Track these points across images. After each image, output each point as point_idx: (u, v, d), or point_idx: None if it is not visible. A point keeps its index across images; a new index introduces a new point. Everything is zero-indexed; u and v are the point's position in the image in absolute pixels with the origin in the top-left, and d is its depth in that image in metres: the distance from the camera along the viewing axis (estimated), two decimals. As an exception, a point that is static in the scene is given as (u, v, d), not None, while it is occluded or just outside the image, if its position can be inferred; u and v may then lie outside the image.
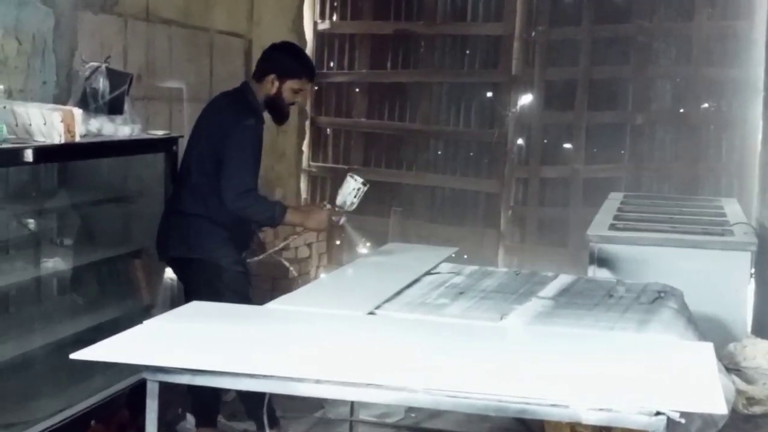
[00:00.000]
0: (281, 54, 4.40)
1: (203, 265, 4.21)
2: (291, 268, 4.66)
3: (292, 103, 4.41)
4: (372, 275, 4.14)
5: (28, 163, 3.94)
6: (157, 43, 5.64)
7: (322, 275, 4.29)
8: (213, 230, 4.22)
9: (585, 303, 3.78)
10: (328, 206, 4.38)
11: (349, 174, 4.39)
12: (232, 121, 4.18)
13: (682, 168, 7.11)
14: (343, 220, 4.40)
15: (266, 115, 4.42)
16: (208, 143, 4.24)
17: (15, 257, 4.07)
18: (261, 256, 4.80)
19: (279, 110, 4.39)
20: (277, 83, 4.30)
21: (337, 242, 7.52)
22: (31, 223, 4.29)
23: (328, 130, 7.72)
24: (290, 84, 4.32)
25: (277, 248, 4.96)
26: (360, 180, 4.32)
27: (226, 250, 4.23)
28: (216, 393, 4.40)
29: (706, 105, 7.10)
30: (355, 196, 4.33)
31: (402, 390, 2.71)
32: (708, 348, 3.08)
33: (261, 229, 4.74)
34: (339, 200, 4.35)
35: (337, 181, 7.51)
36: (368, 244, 4.77)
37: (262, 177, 7.00)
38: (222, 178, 4.12)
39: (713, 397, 2.59)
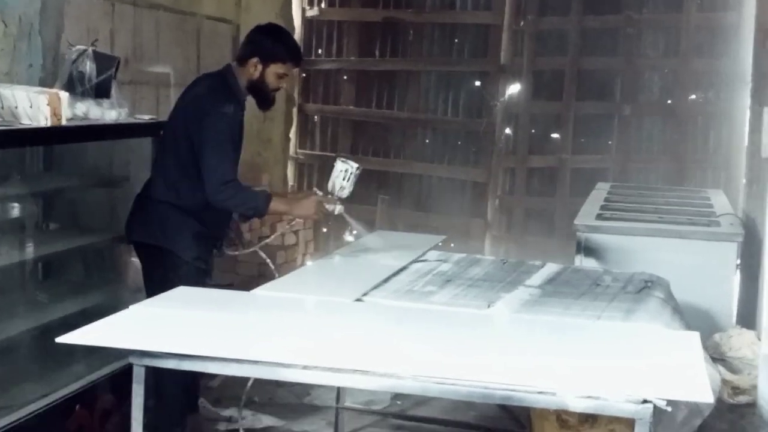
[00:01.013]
0: (265, 36, 4.16)
1: (162, 254, 4.02)
2: (272, 266, 4.38)
3: (277, 89, 4.19)
4: (359, 262, 4.13)
5: (14, 146, 3.93)
6: (145, 27, 5.61)
7: (309, 262, 4.22)
8: (181, 220, 4.03)
9: (572, 292, 3.78)
10: (319, 193, 4.19)
11: (338, 157, 4.21)
12: (209, 107, 3.99)
13: (669, 159, 7.14)
14: (338, 209, 4.17)
15: (251, 101, 4.25)
16: (184, 128, 4.03)
17: (1, 241, 4.04)
18: (249, 250, 4.47)
19: (262, 95, 4.17)
20: (260, 67, 4.08)
21: (324, 230, 7.51)
22: (16, 206, 4.26)
23: (315, 117, 7.71)
24: (274, 68, 4.09)
25: (267, 240, 4.63)
26: (350, 163, 4.11)
27: (190, 243, 4.03)
28: (197, 380, 4.29)
29: (693, 96, 7.12)
30: (344, 179, 4.11)
31: (389, 376, 2.71)
32: (694, 337, 3.09)
33: (246, 220, 4.47)
34: (329, 186, 4.15)
35: (325, 169, 7.58)
36: (369, 231, 4.61)
37: (248, 163, 7.04)
38: (202, 171, 3.93)
39: (700, 386, 2.60)
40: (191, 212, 4.01)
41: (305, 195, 4.26)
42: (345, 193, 4.14)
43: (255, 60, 4.07)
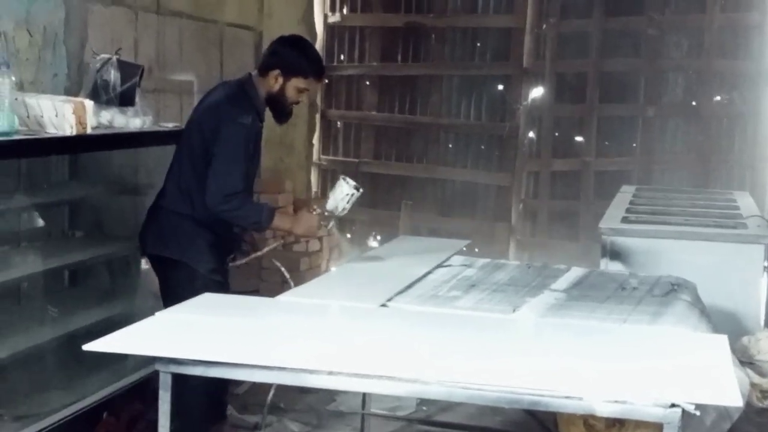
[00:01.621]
0: (289, 49, 4.07)
1: (178, 267, 3.96)
2: (288, 276, 4.33)
3: (296, 102, 4.11)
4: (384, 268, 4.13)
5: (40, 155, 3.97)
6: (168, 35, 5.65)
7: (333, 268, 4.20)
8: (195, 231, 3.96)
9: (597, 295, 3.76)
10: (318, 211, 4.10)
11: (342, 177, 4.09)
12: (227, 116, 3.91)
13: (694, 161, 7.09)
14: (331, 225, 4.16)
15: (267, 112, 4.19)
16: (200, 137, 3.97)
17: (27, 249, 4.08)
18: (244, 260, 4.31)
19: (280, 108, 4.08)
20: (281, 80, 3.99)
21: (348, 236, 7.52)
22: (43, 215, 4.30)
23: (338, 123, 7.72)
24: (295, 82, 4.01)
25: (260, 253, 4.36)
26: (353, 184, 4.04)
27: (205, 255, 3.96)
28: (225, 388, 4.26)
29: (718, 97, 7.07)
30: (347, 202, 4.05)
31: (414, 382, 2.71)
32: (722, 340, 3.07)
33: (246, 231, 4.33)
34: (330, 205, 4.05)
35: (347, 175, 7.57)
36: (351, 252, 4.57)
37: (271, 169, 7.08)
38: (208, 177, 3.87)
39: (728, 390, 2.58)
40: (206, 223, 3.95)
41: (307, 213, 4.13)
42: (344, 213, 4.10)
43: (276, 72, 3.99)
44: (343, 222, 7.47)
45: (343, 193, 4.02)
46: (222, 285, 3.93)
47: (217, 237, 3.99)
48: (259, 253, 4.29)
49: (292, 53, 4.04)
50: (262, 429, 4.59)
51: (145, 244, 4.09)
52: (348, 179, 4.04)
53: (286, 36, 4.24)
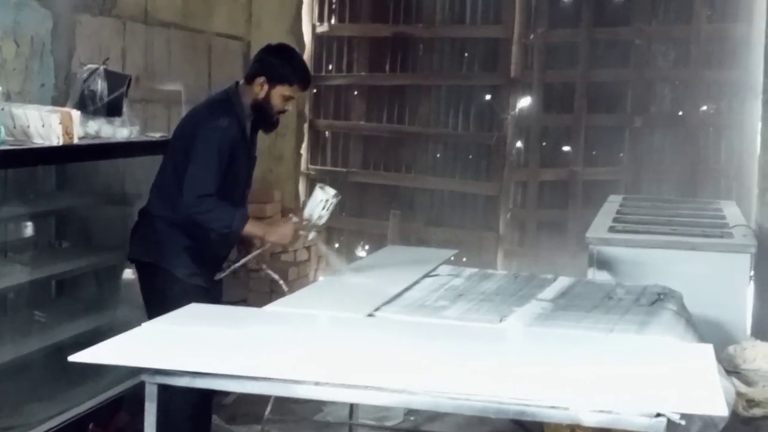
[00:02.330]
0: (274, 57, 4.06)
1: (157, 272, 3.92)
2: (282, 283, 4.19)
3: (282, 111, 4.08)
4: (371, 277, 4.12)
5: (27, 165, 3.96)
6: (156, 45, 5.65)
7: (321, 278, 4.18)
8: (174, 235, 3.92)
9: (584, 305, 3.77)
10: (295, 219, 4.00)
11: (318, 185, 4.01)
12: (203, 119, 3.93)
13: (681, 170, 7.12)
14: (312, 235, 4.04)
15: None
16: (181, 141, 3.98)
17: (13, 260, 4.07)
18: (225, 272, 4.15)
19: (266, 117, 4.06)
20: (266, 87, 3.98)
21: (336, 245, 7.52)
22: (29, 225, 4.29)
23: (326, 132, 7.72)
24: (280, 90, 3.99)
25: (238, 264, 4.17)
26: (331, 192, 3.94)
27: (184, 260, 3.91)
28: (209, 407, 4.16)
29: (704, 107, 7.11)
30: (323, 209, 3.94)
31: (402, 392, 2.71)
32: (708, 349, 3.08)
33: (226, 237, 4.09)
34: (306, 212, 3.97)
35: (336, 185, 7.58)
36: (341, 264, 4.28)
37: (259, 180, 7.05)
38: (184, 179, 3.85)
39: (714, 399, 2.59)
40: (185, 227, 3.90)
41: (283, 221, 4.08)
42: (322, 222, 3.99)
43: (262, 80, 3.98)
44: (331, 231, 7.48)
45: (318, 200, 3.94)
46: (205, 290, 3.85)
47: (197, 241, 3.94)
48: (237, 264, 4.14)
49: (278, 61, 4.03)
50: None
51: (129, 250, 4.08)
52: (325, 186, 3.97)
53: (274, 45, 4.22)
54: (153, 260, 3.94)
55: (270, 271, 4.23)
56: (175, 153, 3.99)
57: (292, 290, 4.06)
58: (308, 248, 6.92)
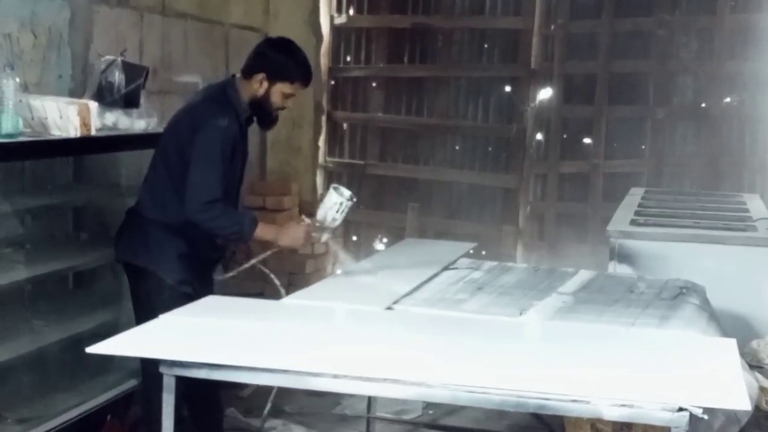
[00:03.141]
0: (275, 52, 3.88)
1: (146, 276, 3.79)
2: (279, 285, 4.07)
3: (281, 108, 3.91)
4: (390, 270, 4.13)
5: (44, 157, 3.98)
6: (173, 36, 5.67)
7: (339, 271, 4.16)
8: (166, 239, 3.78)
9: (606, 299, 3.77)
10: (308, 221, 3.87)
11: (332, 186, 3.90)
12: (202, 118, 3.73)
13: (703, 163, 7.08)
14: (325, 237, 3.93)
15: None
16: (176, 140, 3.79)
17: (31, 251, 4.09)
18: (233, 272, 4.05)
19: (265, 114, 3.90)
20: (266, 84, 3.82)
21: (354, 238, 7.53)
22: (48, 217, 4.31)
23: (344, 125, 7.72)
24: (281, 87, 3.82)
25: (247, 264, 4.04)
26: (346, 194, 3.83)
27: (175, 265, 3.77)
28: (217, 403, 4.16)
29: (728, 99, 7.06)
30: (337, 211, 3.82)
31: (420, 385, 2.71)
32: (731, 344, 3.07)
33: (229, 243, 4.02)
34: (320, 215, 3.84)
35: (354, 177, 7.61)
36: (352, 263, 4.28)
37: (277, 172, 7.09)
38: (187, 186, 3.68)
39: (737, 394, 2.58)
40: (178, 231, 3.77)
41: (294, 223, 3.93)
42: (336, 224, 3.88)
43: (261, 76, 3.82)
44: (348, 225, 7.48)
45: (332, 202, 3.83)
46: (191, 297, 3.60)
47: (190, 246, 3.81)
48: (246, 265, 4.01)
49: (279, 56, 3.87)
50: (267, 433, 4.60)
51: (117, 251, 3.93)
52: (340, 188, 3.87)
53: (273, 38, 4.07)
54: (144, 264, 3.81)
55: (273, 276, 4.09)
56: (169, 152, 3.83)
57: (309, 283, 4.07)
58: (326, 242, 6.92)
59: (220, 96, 3.85)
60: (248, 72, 3.87)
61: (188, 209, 3.68)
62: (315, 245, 4.00)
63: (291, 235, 3.83)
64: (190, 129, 3.75)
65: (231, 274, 3.98)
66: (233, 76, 3.95)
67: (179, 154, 3.76)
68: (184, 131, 3.78)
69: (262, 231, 3.80)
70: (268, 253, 3.98)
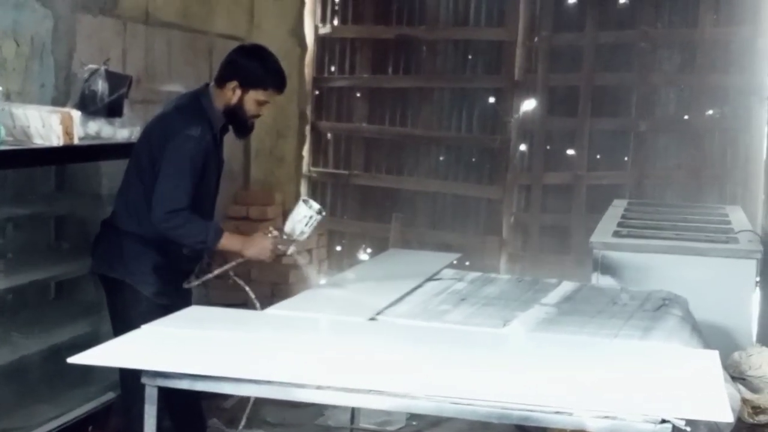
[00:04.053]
0: (247, 59, 3.84)
1: (122, 288, 3.76)
2: (254, 297, 3.95)
3: (256, 116, 3.88)
4: (373, 281, 4.13)
5: (27, 166, 3.96)
6: (157, 46, 5.65)
7: (322, 281, 4.14)
8: (141, 251, 3.75)
9: (589, 310, 3.77)
10: (275, 233, 3.78)
11: (302, 199, 3.84)
12: (173, 128, 3.70)
13: (686, 175, 7.11)
14: (291, 250, 3.83)
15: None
16: (148, 150, 3.76)
17: (12, 261, 4.07)
18: (197, 282, 3.94)
19: (240, 123, 3.86)
20: (239, 92, 3.78)
21: (338, 248, 7.52)
22: (29, 226, 4.29)
23: (328, 134, 7.71)
24: (254, 95, 3.79)
25: (212, 275, 3.94)
26: (315, 207, 3.76)
27: (150, 277, 3.75)
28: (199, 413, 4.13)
29: (710, 112, 7.10)
30: (306, 224, 3.76)
31: (404, 396, 2.71)
32: (713, 356, 3.08)
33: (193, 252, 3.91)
34: (287, 227, 3.78)
35: (338, 187, 7.60)
36: (321, 280, 4.08)
37: (261, 182, 7.08)
38: (154, 195, 3.66)
39: (719, 406, 2.59)
40: (153, 243, 3.74)
41: (261, 234, 3.82)
42: (303, 237, 3.81)
43: (234, 84, 3.78)
44: (333, 234, 7.48)
45: (301, 215, 3.77)
46: (167, 309, 3.52)
47: (165, 258, 3.79)
48: (210, 275, 3.91)
49: (251, 63, 3.83)
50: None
51: (93, 262, 3.92)
52: (310, 201, 3.81)
53: (246, 45, 4.01)
54: (119, 276, 3.78)
55: (247, 288, 3.97)
56: (141, 163, 3.79)
57: (293, 293, 4.05)
58: (309, 251, 6.91)
59: (193, 105, 3.82)
60: (221, 80, 3.83)
61: (153, 217, 3.66)
62: (283, 256, 3.88)
63: (257, 245, 3.77)
64: (163, 139, 3.72)
65: (196, 282, 3.90)
66: (206, 84, 3.91)
67: (152, 164, 3.73)
68: (156, 141, 3.75)
69: (228, 241, 3.76)
70: (233, 263, 3.89)
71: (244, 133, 3.99)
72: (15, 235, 4.18)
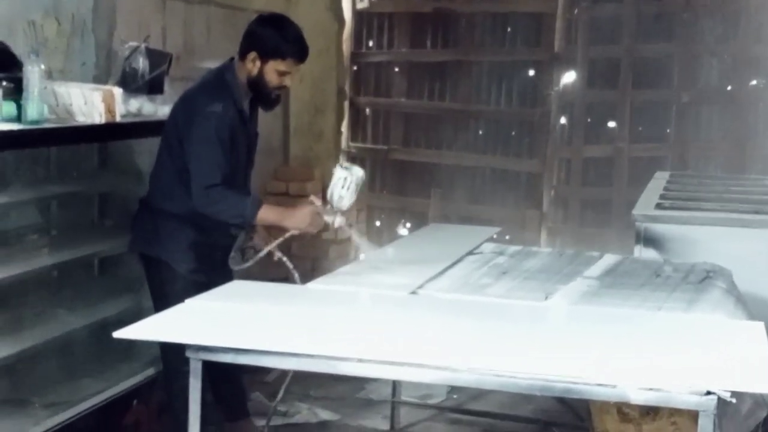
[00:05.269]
0: (265, 28, 3.80)
1: (160, 266, 3.82)
2: (296, 274, 3.83)
3: (279, 87, 3.83)
4: (414, 255, 4.13)
5: (69, 143, 4.00)
6: (196, 23, 5.67)
7: (362, 256, 4.13)
8: (176, 229, 3.79)
9: (631, 283, 3.75)
10: (317, 203, 3.72)
11: (338, 164, 3.75)
12: (196, 106, 3.72)
13: (729, 147, 7.02)
14: (338, 221, 3.74)
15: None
16: (176, 130, 3.80)
17: (57, 238, 4.12)
18: (246, 264, 3.87)
19: (264, 95, 3.84)
20: (258, 63, 3.75)
21: (377, 223, 7.53)
22: (73, 203, 4.34)
23: (367, 110, 7.71)
24: (273, 65, 3.75)
25: (262, 253, 3.84)
26: (353, 170, 3.66)
27: (187, 255, 3.80)
28: (240, 386, 4.21)
29: (754, 82, 6.99)
30: (343, 187, 3.65)
31: (445, 369, 2.71)
32: (759, 327, 3.04)
33: (239, 228, 3.87)
34: (328, 194, 3.70)
35: (377, 163, 7.59)
36: (371, 250, 4.01)
37: (299, 158, 7.09)
38: (183, 170, 3.71)
39: (765, 378, 2.56)
40: (187, 220, 3.77)
41: (301, 204, 3.78)
42: (345, 204, 3.68)
43: (253, 55, 3.76)
44: (372, 209, 7.48)
45: (336, 177, 3.67)
46: (205, 286, 3.47)
47: (201, 234, 3.81)
48: (261, 253, 3.83)
49: (268, 32, 3.79)
50: (294, 416, 4.62)
51: (131, 241, 3.97)
52: (345, 164, 3.72)
53: (265, 15, 3.97)
54: (155, 254, 3.84)
55: (288, 263, 3.87)
56: (170, 141, 3.82)
57: (333, 269, 4.06)
58: (349, 226, 6.90)
59: (216, 81, 3.82)
60: (242, 52, 3.81)
61: (193, 199, 3.68)
62: (330, 228, 3.81)
63: (296, 217, 3.72)
64: (187, 118, 3.75)
65: (248, 264, 3.86)
66: (231, 59, 3.88)
67: (180, 143, 3.76)
68: (182, 120, 3.78)
69: (266, 213, 3.72)
70: (281, 239, 3.81)
71: (269, 105, 3.95)
72: (59, 213, 4.23)
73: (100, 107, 3.84)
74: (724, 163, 7.02)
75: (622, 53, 7.13)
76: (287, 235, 3.79)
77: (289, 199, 6.46)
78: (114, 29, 4.80)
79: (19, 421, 3.54)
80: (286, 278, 3.90)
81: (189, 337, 2.89)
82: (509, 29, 7.38)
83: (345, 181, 3.66)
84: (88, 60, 4.62)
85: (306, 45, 3.86)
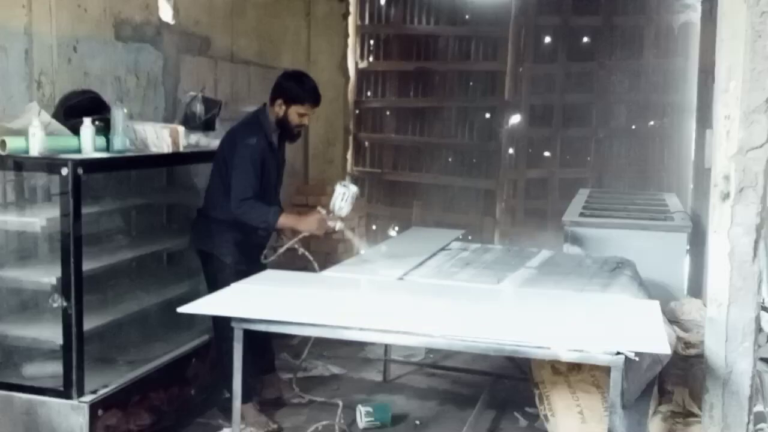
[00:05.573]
0: (289, 81, 3.83)
1: (212, 258, 3.81)
2: (315, 263, 3.85)
3: (300, 125, 3.84)
4: (401, 250, 4.13)
5: (146, 167, 3.99)
6: (239, 77, 5.67)
7: (362, 251, 4.14)
8: (225, 231, 3.76)
9: (561, 271, 3.76)
10: (323, 211, 3.70)
11: (339, 181, 3.77)
12: (236, 139, 3.75)
13: (634, 170, 7.04)
14: (339, 225, 3.70)
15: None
16: (222, 156, 3.81)
17: (136, 238, 4.11)
18: (271, 258, 3.84)
19: (288, 131, 3.85)
20: (284, 107, 3.77)
21: (374, 227, 7.52)
22: (147, 212, 4.33)
23: (366, 142, 7.70)
24: (295, 108, 3.77)
25: (282, 249, 3.83)
26: (350, 187, 3.65)
27: (231, 249, 3.77)
28: (271, 348, 4.18)
29: (652, 122, 7.02)
30: (342, 200, 3.64)
31: (424, 335, 2.72)
32: (655, 305, 3.06)
33: (268, 231, 3.86)
34: (330, 204, 3.70)
35: (374, 182, 7.58)
36: (362, 250, 4.03)
37: (316, 179, 7.07)
38: (227, 186, 3.72)
39: (659, 341, 2.58)
40: (232, 224, 3.75)
41: (311, 212, 3.76)
42: (344, 212, 3.67)
43: (280, 101, 3.79)
44: (370, 217, 7.47)
45: (337, 193, 3.67)
46: (246, 273, 3.53)
47: (242, 235, 3.78)
48: (281, 250, 3.82)
49: (291, 84, 3.81)
50: (311, 371, 4.60)
51: (192, 241, 3.97)
52: (343, 182, 3.72)
53: (290, 71, 3.99)
54: (209, 250, 3.84)
55: (307, 254, 3.87)
56: (219, 164, 3.83)
57: (341, 261, 4.05)
58: (352, 229, 6.90)
59: (253, 120, 3.84)
60: (271, 99, 3.84)
61: (231, 207, 3.68)
62: (333, 230, 3.82)
63: (307, 221, 3.71)
64: (231, 147, 3.76)
65: (272, 258, 3.86)
66: (264, 104, 3.90)
67: (226, 166, 3.77)
68: (227, 149, 3.79)
69: (285, 219, 3.72)
70: (297, 238, 3.80)
71: (292, 139, 3.96)
72: (137, 219, 4.22)
73: (168, 141, 3.83)
74: (630, 182, 7.04)
75: (555, 100, 7.15)
76: (300, 235, 3.80)
77: (309, 209, 6.42)
78: (178, 83, 4.80)
79: (107, 374, 3.53)
80: (306, 268, 3.90)
81: (233, 312, 2.89)
82: (471, 83, 7.38)
83: (344, 195, 3.66)
84: (159, 105, 4.62)
85: (319, 94, 3.90)
